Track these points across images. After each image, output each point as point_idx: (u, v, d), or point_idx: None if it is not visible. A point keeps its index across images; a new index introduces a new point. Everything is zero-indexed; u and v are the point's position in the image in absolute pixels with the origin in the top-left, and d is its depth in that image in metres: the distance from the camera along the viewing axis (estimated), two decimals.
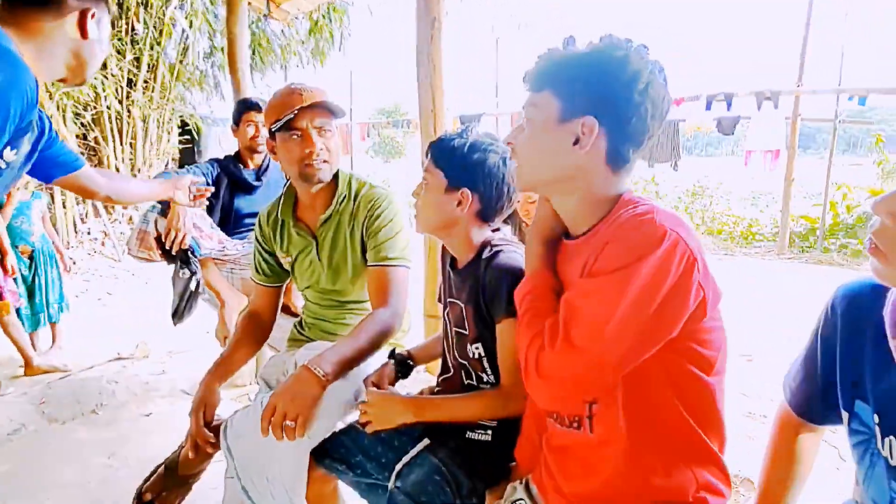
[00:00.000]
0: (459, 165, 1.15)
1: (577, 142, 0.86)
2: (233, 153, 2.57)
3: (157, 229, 2.15)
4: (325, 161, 1.45)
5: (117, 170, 7.06)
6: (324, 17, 7.37)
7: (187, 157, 8.58)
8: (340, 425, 1.37)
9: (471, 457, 1.15)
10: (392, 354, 1.39)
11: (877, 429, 0.76)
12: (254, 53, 8.50)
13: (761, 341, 3.72)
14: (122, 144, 7.06)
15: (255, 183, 2.49)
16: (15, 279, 2.91)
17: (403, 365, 1.38)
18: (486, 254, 1.14)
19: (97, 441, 2.49)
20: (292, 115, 1.40)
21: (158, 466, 1.48)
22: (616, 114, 0.84)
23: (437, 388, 1.32)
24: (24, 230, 3.14)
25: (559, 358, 0.82)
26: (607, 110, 0.84)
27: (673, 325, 0.80)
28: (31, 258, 3.20)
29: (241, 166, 2.50)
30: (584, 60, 0.86)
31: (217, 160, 2.52)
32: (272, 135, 1.48)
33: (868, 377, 0.77)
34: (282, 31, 8.66)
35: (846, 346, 0.81)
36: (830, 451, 2.41)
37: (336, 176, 1.54)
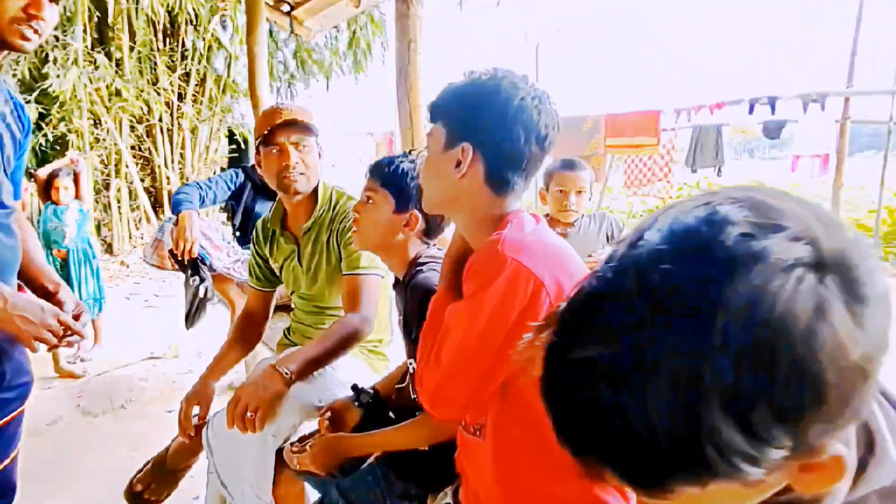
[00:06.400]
0: (409, 188, 1.21)
1: (458, 166, 0.93)
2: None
3: (171, 239, 2.31)
4: (301, 173, 1.55)
5: (168, 179, 7.48)
6: (361, 29, 7.59)
7: (235, 165, 8.96)
8: (308, 428, 1.45)
9: (409, 463, 1.20)
10: (354, 388, 1.40)
11: None
12: (301, 66, 8.89)
13: None
14: (172, 154, 7.48)
15: None
16: None
17: (368, 400, 1.38)
18: (412, 271, 1.20)
19: (123, 434, 2.68)
20: (270, 131, 1.52)
21: (149, 461, 1.61)
22: (489, 140, 0.91)
23: (393, 396, 1.38)
24: (58, 233, 3.41)
25: (430, 373, 0.91)
26: (481, 137, 0.91)
27: None
28: (65, 260, 3.45)
29: None
30: (463, 92, 0.94)
31: (244, 167, 2.70)
32: (257, 149, 1.59)
33: None
34: (324, 43, 8.97)
35: None
36: None
37: (318, 188, 1.64)
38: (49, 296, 1.39)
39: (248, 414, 1.27)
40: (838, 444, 0.41)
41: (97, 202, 7.01)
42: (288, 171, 1.52)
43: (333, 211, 1.61)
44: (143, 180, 7.33)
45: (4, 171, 1.30)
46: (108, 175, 7.04)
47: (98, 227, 7.08)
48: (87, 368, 3.41)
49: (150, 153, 7.35)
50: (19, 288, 1.44)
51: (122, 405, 2.96)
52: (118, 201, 7.06)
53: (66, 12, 6.17)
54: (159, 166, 7.37)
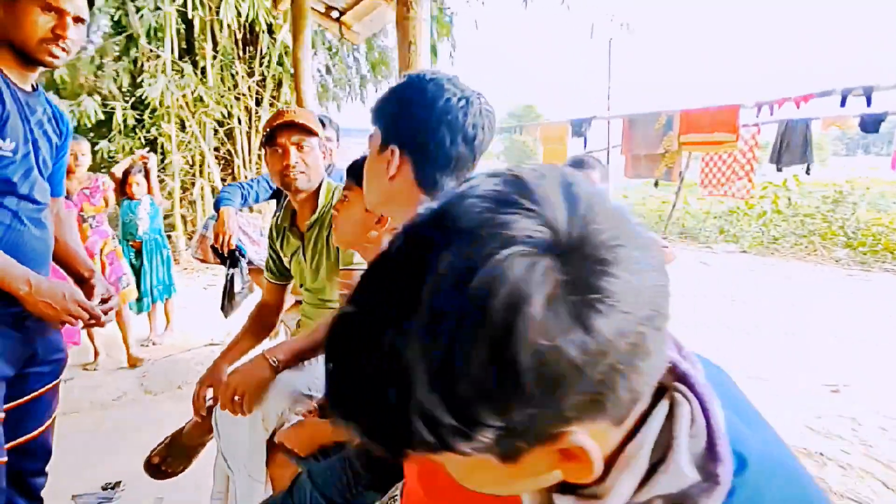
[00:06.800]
0: None
1: (389, 167, 0.95)
2: None
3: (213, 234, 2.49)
4: (301, 172, 1.64)
5: (246, 178, 7.99)
6: None
7: None
8: (297, 418, 1.52)
9: (379, 455, 1.24)
10: None
11: None
12: (373, 68, 9.20)
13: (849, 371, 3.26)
14: (250, 155, 7.98)
15: None
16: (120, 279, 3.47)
17: None
18: None
19: (177, 412, 2.91)
20: (272, 132, 1.62)
21: (167, 436, 1.76)
22: (416, 142, 0.92)
23: None
24: (132, 225, 3.76)
25: None
26: (408, 139, 0.93)
27: None
28: (139, 250, 3.80)
29: None
30: (394, 95, 0.95)
31: None
32: (263, 149, 1.70)
33: None
34: (394, 45, 9.20)
35: None
36: None
37: (322, 187, 1.72)
38: (83, 281, 1.57)
39: (235, 397, 1.36)
40: (582, 436, 0.40)
41: (183, 200, 7.62)
42: (289, 169, 1.61)
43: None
44: (224, 180, 7.86)
45: (40, 171, 1.48)
46: (193, 175, 7.64)
47: (184, 223, 7.70)
48: (150, 355, 3.74)
49: (230, 154, 7.88)
50: (60, 275, 1.63)
51: (178, 386, 3.24)
52: (202, 199, 7.63)
53: (157, 25, 6.76)
54: (238, 167, 7.88)
